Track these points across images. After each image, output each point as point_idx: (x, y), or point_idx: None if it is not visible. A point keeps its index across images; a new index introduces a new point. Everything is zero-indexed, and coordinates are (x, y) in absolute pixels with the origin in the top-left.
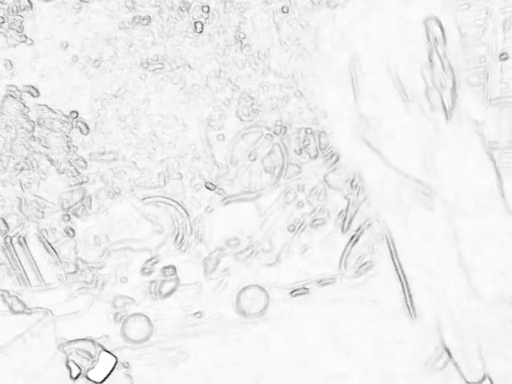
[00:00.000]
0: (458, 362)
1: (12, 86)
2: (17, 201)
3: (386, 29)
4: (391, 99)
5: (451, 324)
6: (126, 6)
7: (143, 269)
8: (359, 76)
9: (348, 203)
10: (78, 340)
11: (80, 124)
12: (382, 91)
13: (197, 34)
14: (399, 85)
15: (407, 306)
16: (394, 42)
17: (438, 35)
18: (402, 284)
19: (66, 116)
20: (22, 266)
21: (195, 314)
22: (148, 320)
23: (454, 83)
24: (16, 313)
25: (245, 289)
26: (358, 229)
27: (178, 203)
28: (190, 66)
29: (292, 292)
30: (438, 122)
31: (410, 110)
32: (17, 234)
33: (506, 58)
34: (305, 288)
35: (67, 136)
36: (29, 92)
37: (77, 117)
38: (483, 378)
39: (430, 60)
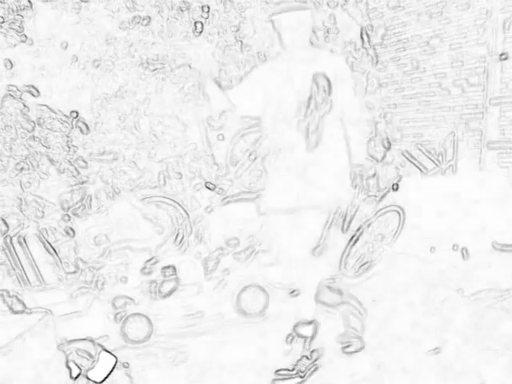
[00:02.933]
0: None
1: (12, 85)
2: (17, 201)
3: (284, 79)
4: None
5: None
6: (126, 7)
7: (143, 269)
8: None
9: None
10: (77, 340)
11: (80, 124)
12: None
13: (197, 34)
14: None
15: None
16: (290, 88)
17: (324, 86)
18: None
19: (66, 116)
20: (22, 266)
21: (195, 313)
22: (148, 320)
23: (319, 126)
24: (16, 313)
25: (245, 289)
26: (358, 229)
27: (178, 203)
28: (190, 66)
29: (292, 292)
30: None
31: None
32: (17, 233)
33: (505, 58)
34: None
35: (67, 136)
36: (29, 92)
37: (77, 117)
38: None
39: (308, 103)
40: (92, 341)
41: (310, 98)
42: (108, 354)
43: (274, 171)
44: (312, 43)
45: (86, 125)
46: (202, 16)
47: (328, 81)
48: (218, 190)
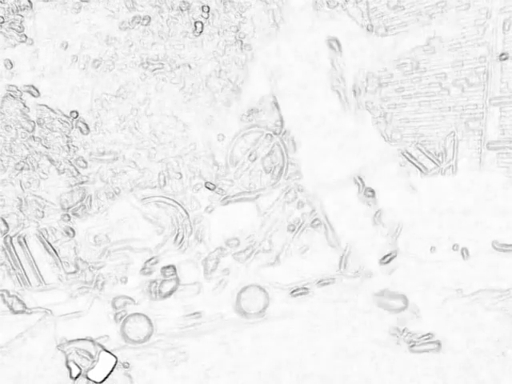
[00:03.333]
0: None
1: (12, 85)
2: (17, 201)
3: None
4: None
5: None
6: (126, 6)
7: (143, 269)
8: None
9: None
10: (77, 340)
11: (80, 124)
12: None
13: (197, 34)
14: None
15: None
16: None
17: (336, 47)
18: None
19: (66, 116)
20: (22, 266)
21: (195, 313)
22: (148, 320)
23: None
24: (16, 312)
25: (245, 289)
26: None
27: (178, 203)
28: (190, 66)
29: (292, 292)
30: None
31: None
32: (17, 233)
33: (505, 58)
34: (305, 288)
35: (67, 136)
36: (29, 92)
37: (77, 117)
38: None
39: (333, 65)
40: (92, 341)
41: (332, 63)
42: (108, 353)
43: (308, 144)
44: (315, 9)
45: (86, 125)
46: (201, 16)
47: (338, 42)
48: (217, 190)
